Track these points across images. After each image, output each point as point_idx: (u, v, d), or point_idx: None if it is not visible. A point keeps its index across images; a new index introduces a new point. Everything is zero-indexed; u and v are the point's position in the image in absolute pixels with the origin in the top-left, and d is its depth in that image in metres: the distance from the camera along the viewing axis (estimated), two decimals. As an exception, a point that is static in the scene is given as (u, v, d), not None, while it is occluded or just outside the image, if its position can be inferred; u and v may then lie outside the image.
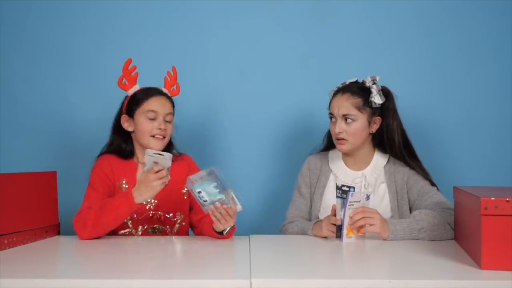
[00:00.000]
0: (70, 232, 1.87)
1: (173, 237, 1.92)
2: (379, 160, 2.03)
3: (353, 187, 1.73)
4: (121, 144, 1.99)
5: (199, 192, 1.71)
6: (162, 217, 1.96)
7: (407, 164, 1.99)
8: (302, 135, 2.34)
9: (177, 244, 1.79)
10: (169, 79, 2.05)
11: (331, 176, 2.05)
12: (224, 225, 1.76)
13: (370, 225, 1.74)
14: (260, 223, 2.45)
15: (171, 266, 1.52)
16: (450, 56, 2.43)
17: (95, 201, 1.85)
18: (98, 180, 1.92)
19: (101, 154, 2.00)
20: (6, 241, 1.67)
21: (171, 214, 1.97)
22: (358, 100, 1.95)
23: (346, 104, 1.95)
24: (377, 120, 1.99)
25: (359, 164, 2.03)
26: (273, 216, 2.45)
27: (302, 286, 1.32)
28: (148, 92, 1.97)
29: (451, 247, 1.69)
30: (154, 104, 1.95)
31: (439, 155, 2.41)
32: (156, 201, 1.94)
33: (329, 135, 2.09)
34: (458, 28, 2.43)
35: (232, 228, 1.80)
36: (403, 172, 1.99)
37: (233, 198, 1.73)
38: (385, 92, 1.98)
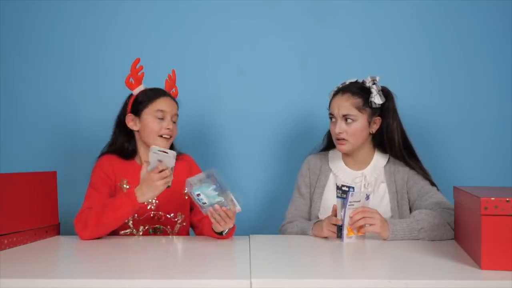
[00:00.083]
0: (70, 232, 1.87)
1: (174, 237, 1.92)
2: (379, 160, 2.03)
3: (353, 187, 1.73)
4: (124, 144, 1.99)
5: (198, 195, 1.71)
6: (163, 218, 1.96)
7: (407, 164, 1.99)
8: (302, 135, 2.34)
9: (178, 244, 1.79)
10: (169, 82, 2.07)
11: (331, 176, 2.05)
12: (223, 227, 1.76)
13: (370, 225, 1.74)
14: (260, 223, 2.46)
15: (171, 266, 1.52)
16: (450, 56, 2.43)
17: (96, 201, 1.85)
18: (99, 180, 1.92)
19: (102, 154, 2.00)
20: (6, 241, 1.67)
21: (172, 215, 1.97)
22: (358, 100, 1.95)
23: (346, 104, 1.95)
24: (377, 120, 1.99)
25: (359, 164, 2.03)
26: (273, 216, 2.45)
27: (302, 286, 1.32)
28: (157, 92, 1.99)
29: (451, 247, 1.69)
30: (162, 104, 1.96)
31: (439, 155, 2.41)
32: (157, 201, 1.94)
33: (329, 135, 2.09)
34: (458, 28, 2.43)
35: (232, 228, 1.80)
36: (403, 172, 1.99)
37: (232, 200, 1.73)
38: (385, 92, 1.98)
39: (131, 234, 1.92)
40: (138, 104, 1.97)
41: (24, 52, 2.46)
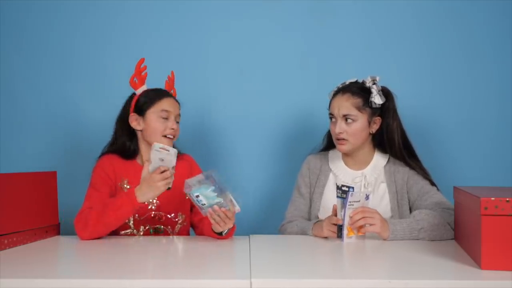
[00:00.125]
0: (70, 232, 1.87)
1: (174, 237, 1.92)
2: (379, 160, 2.03)
3: (353, 187, 1.73)
4: (126, 143, 1.99)
5: (197, 196, 1.72)
6: (164, 218, 1.96)
7: (407, 164, 1.99)
8: (302, 135, 2.34)
9: (178, 244, 1.79)
10: (169, 82, 2.08)
11: (331, 176, 2.05)
12: (223, 227, 1.76)
13: (370, 225, 1.74)
14: (259, 223, 2.46)
15: (171, 266, 1.52)
16: (450, 56, 2.43)
17: (96, 201, 1.85)
18: (100, 180, 1.92)
19: (103, 154, 2.00)
20: (6, 241, 1.67)
21: (172, 215, 1.97)
22: (358, 100, 1.95)
23: (347, 104, 1.95)
24: (377, 120, 1.99)
25: (359, 164, 2.03)
26: (273, 216, 2.45)
27: (302, 286, 1.32)
28: (161, 93, 2.00)
29: (451, 247, 1.69)
30: (167, 104, 1.97)
31: (439, 155, 2.41)
32: (157, 201, 1.94)
33: (329, 135, 2.09)
34: (458, 28, 2.43)
35: (232, 228, 1.80)
36: (403, 172, 1.99)
37: (231, 200, 1.73)
38: (385, 92, 1.98)
39: (132, 234, 1.92)
40: (142, 104, 1.97)
41: (24, 52, 2.46)
